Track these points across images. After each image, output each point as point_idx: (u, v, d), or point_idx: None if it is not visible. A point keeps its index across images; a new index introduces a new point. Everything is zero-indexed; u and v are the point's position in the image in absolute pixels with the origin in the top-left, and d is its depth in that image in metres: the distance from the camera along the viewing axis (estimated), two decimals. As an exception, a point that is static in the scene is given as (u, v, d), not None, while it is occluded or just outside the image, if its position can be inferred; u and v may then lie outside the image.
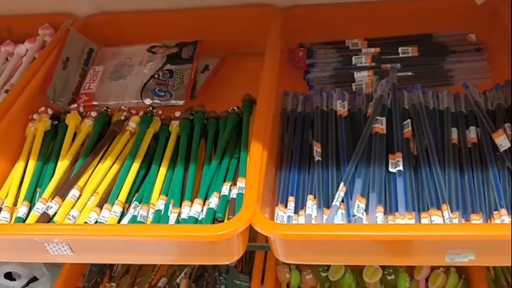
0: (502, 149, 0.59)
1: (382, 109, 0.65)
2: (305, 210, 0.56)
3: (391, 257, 0.53)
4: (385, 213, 0.55)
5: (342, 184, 0.57)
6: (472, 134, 0.63)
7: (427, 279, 0.82)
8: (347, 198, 0.56)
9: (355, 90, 0.74)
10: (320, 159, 0.61)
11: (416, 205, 0.55)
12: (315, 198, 0.57)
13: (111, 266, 0.92)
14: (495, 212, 0.54)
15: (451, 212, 0.54)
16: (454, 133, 0.63)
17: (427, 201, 0.55)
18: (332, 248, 0.52)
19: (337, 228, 0.51)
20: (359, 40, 0.81)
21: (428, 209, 0.54)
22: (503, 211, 0.53)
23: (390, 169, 0.59)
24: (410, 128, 0.63)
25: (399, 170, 0.58)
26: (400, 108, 0.66)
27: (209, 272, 0.86)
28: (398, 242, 0.50)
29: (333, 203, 0.55)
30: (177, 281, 0.85)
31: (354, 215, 0.54)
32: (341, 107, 0.67)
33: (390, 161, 0.60)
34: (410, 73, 0.76)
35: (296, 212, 0.57)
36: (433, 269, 0.82)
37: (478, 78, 0.73)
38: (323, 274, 0.83)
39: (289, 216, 0.56)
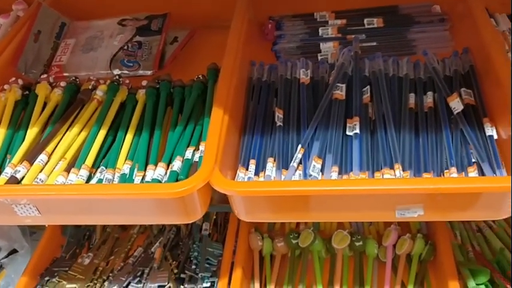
0: (455, 112, 0.61)
1: (343, 76, 0.67)
2: (265, 172, 0.58)
3: (343, 213, 0.55)
4: (340, 173, 0.57)
5: (299, 146, 0.59)
6: (429, 98, 0.65)
7: (394, 245, 0.85)
8: (305, 160, 0.59)
9: (321, 61, 0.76)
10: (281, 124, 0.64)
11: (371, 165, 0.58)
12: (274, 160, 0.59)
13: (89, 237, 0.94)
14: (446, 171, 0.56)
15: (404, 171, 0.56)
16: (412, 98, 0.65)
17: (381, 161, 0.57)
18: (285, 205, 0.54)
19: (288, 184, 0.54)
20: (327, 12, 0.83)
21: (381, 169, 0.57)
22: (453, 169, 0.56)
23: (347, 132, 0.61)
24: (369, 94, 0.65)
25: (356, 133, 0.60)
26: (361, 75, 0.68)
27: (184, 241, 0.89)
28: (348, 197, 0.53)
29: (291, 164, 0.58)
30: (152, 249, 0.88)
31: (310, 175, 0.56)
32: (304, 76, 0.69)
33: (348, 125, 0.62)
34: (374, 43, 0.77)
35: (257, 173, 0.59)
36: (400, 235, 0.85)
37: (440, 47, 0.75)
38: (293, 241, 0.86)
39: (249, 178, 0.58)
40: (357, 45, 0.72)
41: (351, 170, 0.57)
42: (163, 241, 0.89)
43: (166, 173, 0.59)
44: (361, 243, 0.85)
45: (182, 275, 0.83)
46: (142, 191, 0.53)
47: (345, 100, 0.65)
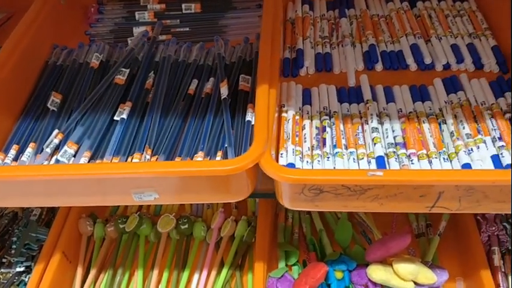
0: (222, 97, 0.62)
1: (129, 61, 0.67)
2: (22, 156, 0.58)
3: (86, 197, 0.56)
4: (93, 158, 0.57)
5: (56, 131, 0.59)
6: (209, 84, 0.65)
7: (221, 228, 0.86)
8: (62, 145, 0.59)
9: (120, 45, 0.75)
10: (55, 109, 0.63)
11: (128, 150, 0.58)
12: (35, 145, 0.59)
13: None
14: (195, 155, 0.57)
15: (156, 155, 0.57)
16: (194, 84, 0.66)
17: (137, 146, 0.58)
18: (32, 189, 0.54)
19: (17, 169, 0.54)
20: (152, -3, 0.83)
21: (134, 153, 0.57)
22: (201, 153, 0.57)
23: (115, 117, 0.61)
24: (152, 79, 0.66)
25: (122, 118, 0.61)
26: (150, 61, 0.68)
27: (13, 227, 0.88)
28: (86, 182, 0.53)
29: (45, 149, 0.58)
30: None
31: (58, 160, 0.56)
32: (95, 60, 0.69)
33: (119, 109, 0.62)
34: (187, 28, 0.78)
35: (16, 159, 0.59)
36: (226, 218, 0.87)
37: (250, 33, 0.76)
38: (121, 226, 0.86)
39: (5, 163, 0.58)
40: (159, 30, 0.72)
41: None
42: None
43: None
44: (187, 226, 0.86)
45: (4, 260, 0.82)
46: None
47: (125, 85, 0.65)
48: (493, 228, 0.79)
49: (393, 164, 0.57)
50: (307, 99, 0.65)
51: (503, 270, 0.77)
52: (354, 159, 0.58)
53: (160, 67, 0.67)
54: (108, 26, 0.79)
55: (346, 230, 0.83)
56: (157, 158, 0.56)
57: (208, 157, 0.56)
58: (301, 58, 0.71)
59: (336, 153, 0.58)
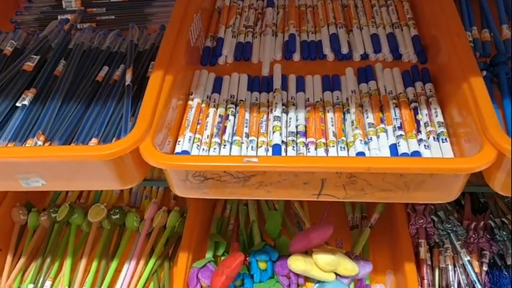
0: (126, 84, 0.62)
1: (43, 48, 0.67)
2: None
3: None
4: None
5: None
6: (118, 71, 0.65)
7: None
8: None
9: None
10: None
11: (26, 136, 0.58)
12: None
13: None
14: (90, 142, 0.57)
15: (50, 141, 0.56)
16: (104, 71, 0.65)
17: (30, 131, 0.58)
18: None
19: None
20: (83, -15, 0.82)
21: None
22: (94, 140, 0.56)
23: (17, 104, 0.61)
24: (62, 66, 0.65)
25: (24, 105, 0.60)
26: (66, 48, 0.68)
27: None
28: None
29: None
30: None
31: None
32: (9, 47, 0.69)
33: (23, 96, 0.62)
34: (113, 17, 0.77)
35: None
36: (159, 209, 0.86)
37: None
38: (53, 215, 0.86)
39: None
40: (77, 17, 0.72)
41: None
42: None
43: None
44: (118, 216, 0.86)
45: None
46: None
47: (33, 72, 0.65)
48: (421, 221, 0.78)
49: (290, 153, 0.56)
50: (217, 87, 0.65)
51: (429, 263, 0.76)
52: (252, 147, 0.57)
53: (71, 54, 0.66)
54: (34, 14, 0.79)
55: (276, 220, 0.82)
56: (50, 144, 0.56)
57: (103, 144, 0.56)
58: (221, 47, 0.70)
59: (234, 141, 0.57)
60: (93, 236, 0.84)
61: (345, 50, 0.68)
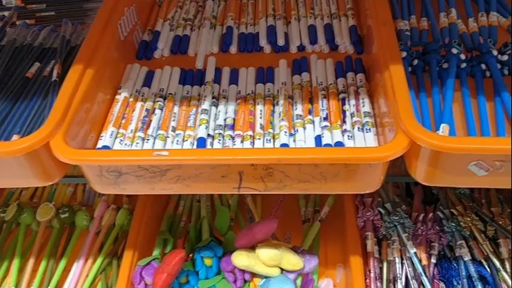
0: (52, 79, 0.61)
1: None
2: None
3: None
4: None
5: None
6: (49, 67, 0.64)
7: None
8: None
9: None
10: None
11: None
12: None
13: None
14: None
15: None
16: (35, 67, 0.65)
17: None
18: None
19: None
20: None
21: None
22: (16, 137, 0.55)
23: None
24: (-10, 63, 0.64)
25: None
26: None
27: None
28: None
29: None
30: None
31: None
32: None
33: None
34: (53, 12, 0.76)
35: None
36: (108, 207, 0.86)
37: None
38: (1, 215, 0.85)
39: None
40: (12, 14, 0.71)
41: None
42: None
43: None
44: (67, 215, 0.85)
45: None
46: None
47: (-39, 69, 0.64)
48: (369, 213, 0.78)
49: (216, 146, 0.55)
50: (148, 81, 0.64)
51: (377, 256, 0.76)
52: (178, 141, 0.56)
53: (2, 51, 0.65)
54: (-27, 12, 0.78)
55: (224, 216, 0.81)
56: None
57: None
58: (156, 40, 0.69)
59: (158, 135, 0.56)
60: (42, 235, 0.83)
61: (281, 41, 0.68)
